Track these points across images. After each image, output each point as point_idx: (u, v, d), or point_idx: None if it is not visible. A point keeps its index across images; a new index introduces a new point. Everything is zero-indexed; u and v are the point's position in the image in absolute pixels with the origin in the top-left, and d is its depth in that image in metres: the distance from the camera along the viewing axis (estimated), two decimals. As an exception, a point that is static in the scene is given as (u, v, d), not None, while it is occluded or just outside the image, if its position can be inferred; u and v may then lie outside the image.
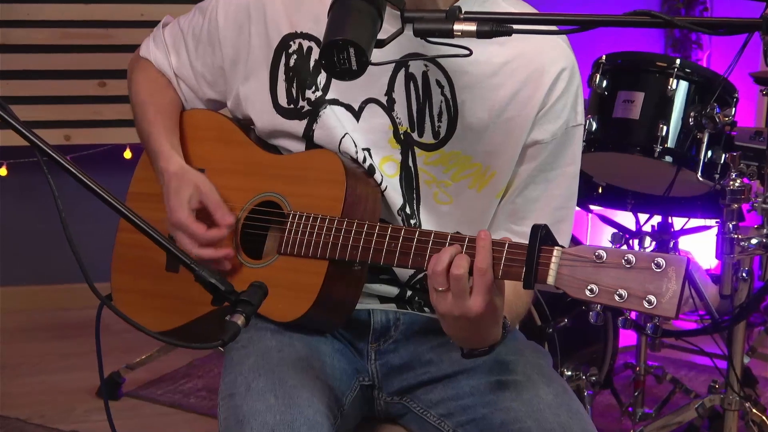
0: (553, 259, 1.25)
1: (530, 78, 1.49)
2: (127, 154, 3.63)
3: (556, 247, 1.26)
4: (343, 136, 1.55)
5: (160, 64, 1.74)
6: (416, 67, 1.53)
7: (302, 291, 1.48)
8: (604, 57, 2.44)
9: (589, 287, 1.21)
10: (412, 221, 1.56)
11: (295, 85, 1.58)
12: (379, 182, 1.54)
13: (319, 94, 1.57)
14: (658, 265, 1.18)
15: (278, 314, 1.51)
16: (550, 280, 1.24)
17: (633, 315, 2.55)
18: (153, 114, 1.68)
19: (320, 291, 1.46)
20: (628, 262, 1.20)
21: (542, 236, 1.26)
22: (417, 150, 1.55)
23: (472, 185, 1.55)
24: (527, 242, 1.28)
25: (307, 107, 1.57)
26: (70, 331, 3.47)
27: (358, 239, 1.45)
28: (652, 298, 1.18)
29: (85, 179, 1.25)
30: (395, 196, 1.55)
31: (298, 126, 1.58)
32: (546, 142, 1.53)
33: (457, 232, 1.51)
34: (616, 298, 1.19)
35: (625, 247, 2.60)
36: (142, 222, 1.29)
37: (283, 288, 1.48)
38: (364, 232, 1.44)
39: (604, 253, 1.22)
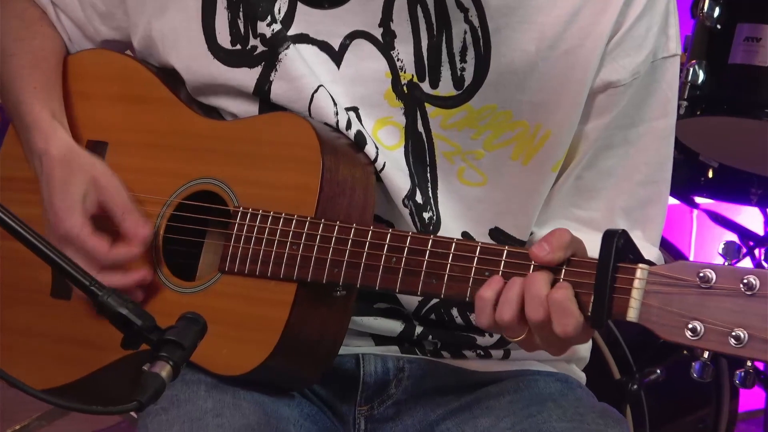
0: (636, 283, 1.25)
1: None
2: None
3: (640, 265, 1.26)
4: (316, 90, 1.56)
5: None
6: None
7: (257, 329, 1.49)
8: (716, -27, 2.46)
9: (690, 325, 1.21)
10: (426, 215, 1.57)
11: (241, 15, 1.59)
12: (372, 159, 1.55)
13: (277, 28, 1.57)
14: (794, 291, 1.20)
15: (221, 364, 1.51)
16: (632, 314, 1.25)
17: (760, 366, 2.55)
18: (21, 66, 1.68)
19: (285, 330, 1.47)
20: (749, 287, 1.20)
21: (619, 247, 1.25)
22: (429, 108, 1.56)
23: (516, 155, 1.57)
24: (596, 247, 1.28)
25: (260, 48, 1.58)
26: None
27: (341, 251, 1.45)
28: (787, 341, 1.19)
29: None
30: (399, 177, 1.56)
31: (248, 77, 1.58)
32: (623, 84, 1.55)
33: (496, 228, 1.51)
34: (732, 341, 1.20)
35: (746, 263, 2.59)
36: (15, 220, 1.28)
37: (227, 324, 1.49)
38: (350, 240, 1.45)
39: (712, 274, 1.22)
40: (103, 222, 1.57)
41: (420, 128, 1.56)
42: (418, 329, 1.61)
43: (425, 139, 1.57)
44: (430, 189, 1.57)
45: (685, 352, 2.47)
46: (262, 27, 1.57)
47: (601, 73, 1.54)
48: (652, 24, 1.54)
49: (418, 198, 1.56)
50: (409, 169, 1.56)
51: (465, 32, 1.53)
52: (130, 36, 1.67)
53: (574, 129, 1.56)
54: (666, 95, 1.58)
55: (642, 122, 1.57)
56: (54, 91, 1.67)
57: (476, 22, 1.52)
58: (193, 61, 1.61)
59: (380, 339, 1.61)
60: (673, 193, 2.68)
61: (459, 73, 1.54)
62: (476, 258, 1.37)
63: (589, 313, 1.26)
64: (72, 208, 1.56)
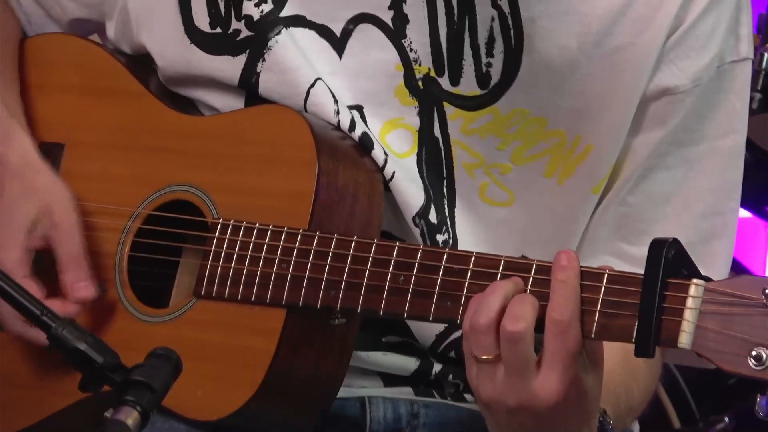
0: (690, 302, 1.24)
1: None
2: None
3: (694, 281, 1.25)
4: (313, 84, 1.56)
5: None
6: None
7: (239, 365, 1.49)
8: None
9: (754, 352, 1.21)
10: (440, 237, 1.58)
11: None
12: (381, 165, 1.55)
13: (267, 8, 1.58)
14: None
15: (195, 407, 1.51)
16: (684, 340, 1.24)
17: None
18: None
19: (272, 365, 1.47)
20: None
21: (669, 259, 1.25)
22: (449, 108, 1.56)
23: (550, 171, 1.57)
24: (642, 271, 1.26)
25: (245, 33, 1.58)
26: None
27: (339, 269, 1.45)
28: None
29: None
30: (410, 190, 1.56)
31: (231, 66, 1.59)
32: (682, 91, 1.55)
33: (523, 256, 1.50)
34: (805, 371, 1.19)
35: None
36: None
37: (203, 359, 1.49)
38: (350, 256, 1.44)
39: (781, 290, 1.21)
40: (49, 262, 1.58)
41: (437, 132, 1.57)
42: (436, 367, 1.62)
43: (442, 146, 1.57)
44: (446, 207, 1.58)
45: (759, 396, 2.46)
46: (249, 7, 1.57)
47: (656, 77, 1.55)
48: (719, 21, 1.54)
49: (432, 217, 1.57)
50: (423, 182, 1.57)
51: (492, 19, 1.53)
52: (102, 15, 1.69)
53: (621, 143, 1.56)
54: (734, 107, 1.58)
55: (704, 139, 1.58)
56: (11, 81, 1.69)
57: (506, 9, 1.53)
58: (168, 45, 1.62)
59: (390, 379, 1.62)
60: (743, 203, 2.68)
61: (484, 68, 1.55)
62: (499, 275, 1.36)
63: (634, 340, 1.25)
64: (14, 237, 1.57)
